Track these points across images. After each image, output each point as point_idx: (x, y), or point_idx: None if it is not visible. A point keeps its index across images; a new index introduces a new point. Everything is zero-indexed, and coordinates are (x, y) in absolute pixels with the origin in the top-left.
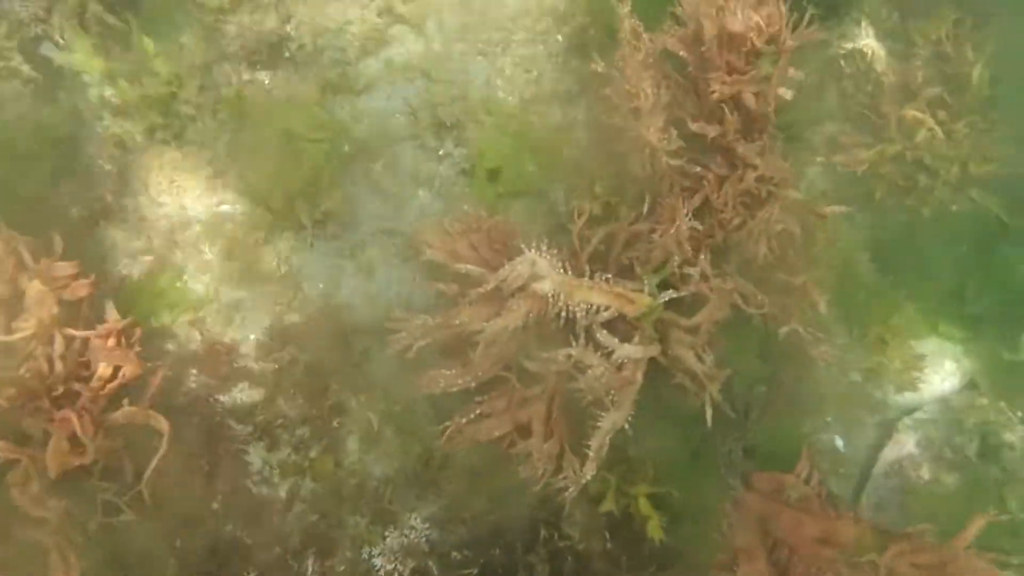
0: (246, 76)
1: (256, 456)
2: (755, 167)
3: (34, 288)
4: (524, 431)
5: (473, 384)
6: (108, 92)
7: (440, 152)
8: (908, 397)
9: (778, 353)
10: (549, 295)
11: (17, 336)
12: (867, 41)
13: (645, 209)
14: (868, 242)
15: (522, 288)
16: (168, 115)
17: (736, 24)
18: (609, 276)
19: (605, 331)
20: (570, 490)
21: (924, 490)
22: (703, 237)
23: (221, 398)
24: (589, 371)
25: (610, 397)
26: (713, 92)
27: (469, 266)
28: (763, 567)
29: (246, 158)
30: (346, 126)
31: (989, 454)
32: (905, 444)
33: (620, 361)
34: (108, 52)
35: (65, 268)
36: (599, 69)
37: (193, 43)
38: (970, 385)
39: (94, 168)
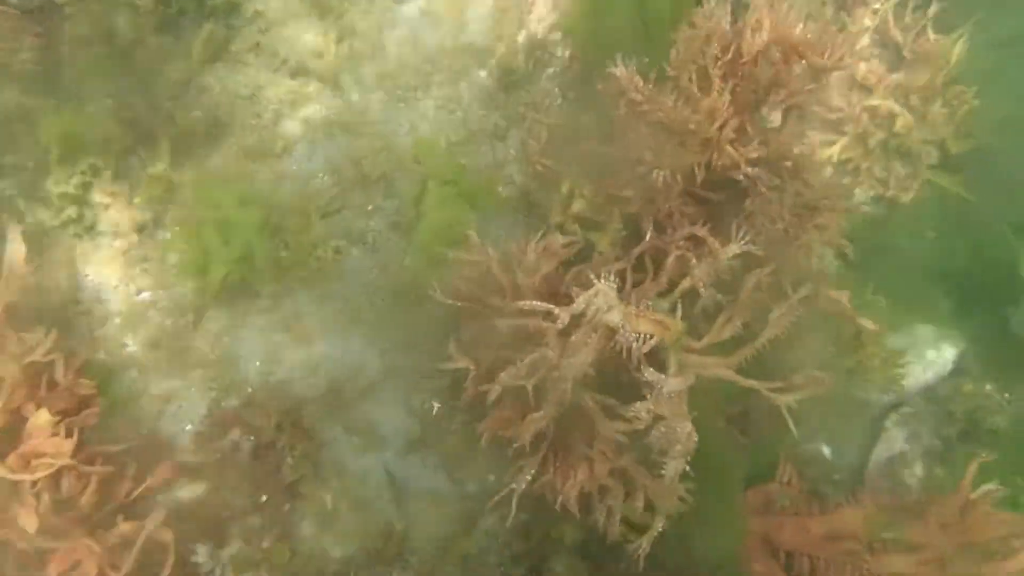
0: (161, 162)
1: (203, 555)
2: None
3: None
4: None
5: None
6: None
7: (369, 207)
8: (892, 394)
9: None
10: (619, 326)
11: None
12: None
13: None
14: None
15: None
16: (82, 206)
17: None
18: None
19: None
20: (643, 546)
21: (919, 488)
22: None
23: (159, 498)
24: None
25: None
26: None
27: (535, 303)
28: None
29: (170, 241)
30: (269, 193)
31: (978, 438)
32: (895, 442)
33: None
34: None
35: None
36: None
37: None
38: (955, 372)
39: None
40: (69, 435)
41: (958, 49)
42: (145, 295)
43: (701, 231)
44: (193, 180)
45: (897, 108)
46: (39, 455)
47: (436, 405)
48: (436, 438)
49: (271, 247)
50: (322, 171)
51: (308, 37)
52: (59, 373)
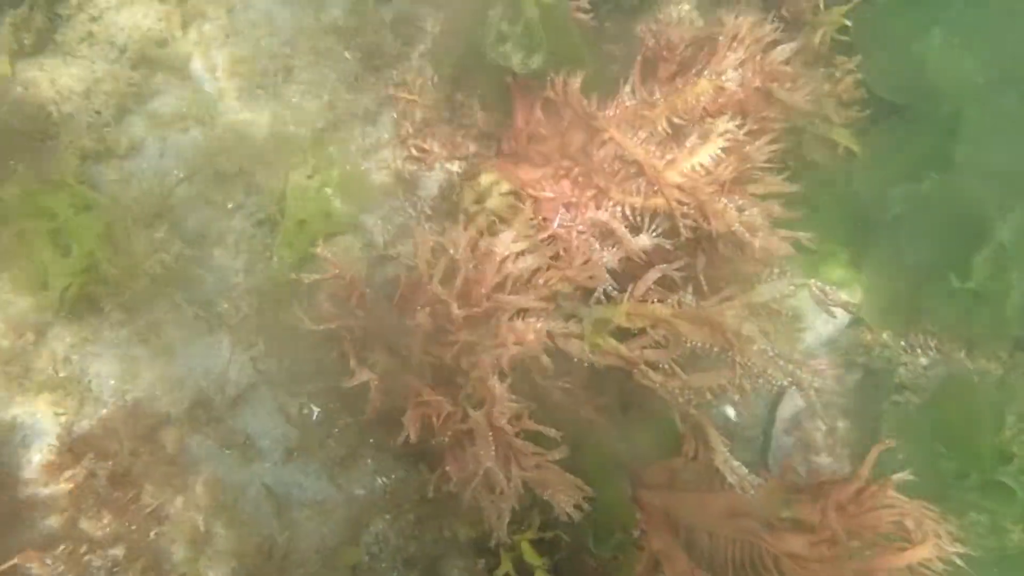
0: None
1: None
2: None
3: None
4: None
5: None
6: None
7: (229, 206)
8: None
9: None
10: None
11: None
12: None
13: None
14: None
15: None
16: None
17: None
18: None
19: None
20: None
21: (823, 441)
22: None
23: (8, 540)
24: None
25: None
26: None
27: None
28: (684, 565)
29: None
30: (116, 196)
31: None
32: (796, 397)
33: None
34: None
35: None
36: None
37: None
38: (854, 322)
39: None
40: None
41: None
42: None
43: (604, 216)
44: (19, 192)
45: None
46: None
47: (316, 410)
48: (317, 444)
49: (119, 255)
50: (176, 168)
51: (148, 23)
52: None
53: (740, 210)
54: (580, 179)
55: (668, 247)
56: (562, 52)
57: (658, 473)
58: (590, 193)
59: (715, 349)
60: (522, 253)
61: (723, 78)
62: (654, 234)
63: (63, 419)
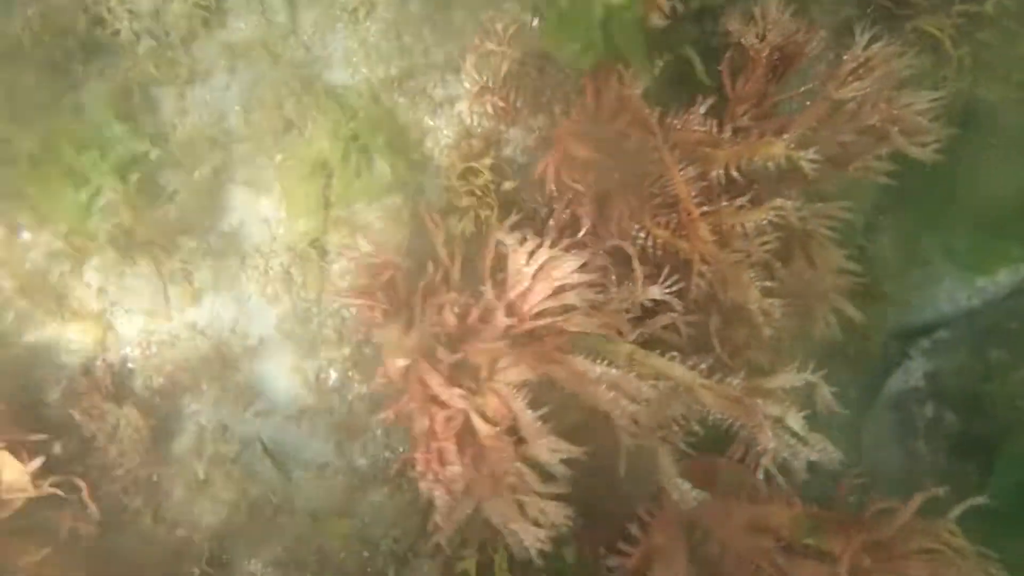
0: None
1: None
2: None
3: None
4: None
5: None
6: None
7: (278, 157)
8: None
9: None
10: None
11: None
12: None
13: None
14: None
15: None
16: None
17: None
18: None
19: None
20: None
21: (923, 430)
22: None
23: None
24: None
25: None
26: None
27: None
28: (681, 567)
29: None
30: (163, 129)
31: None
32: (913, 373)
33: None
34: None
35: None
36: None
37: None
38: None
39: None
40: None
41: None
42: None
43: (629, 248)
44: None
45: None
46: None
47: (333, 375)
48: (329, 409)
49: (158, 194)
50: (237, 104)
51: None
52: None
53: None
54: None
55: (678, 307)
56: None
57: (697, 468)
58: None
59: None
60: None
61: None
62: (667, 289)
63: (89, 350)
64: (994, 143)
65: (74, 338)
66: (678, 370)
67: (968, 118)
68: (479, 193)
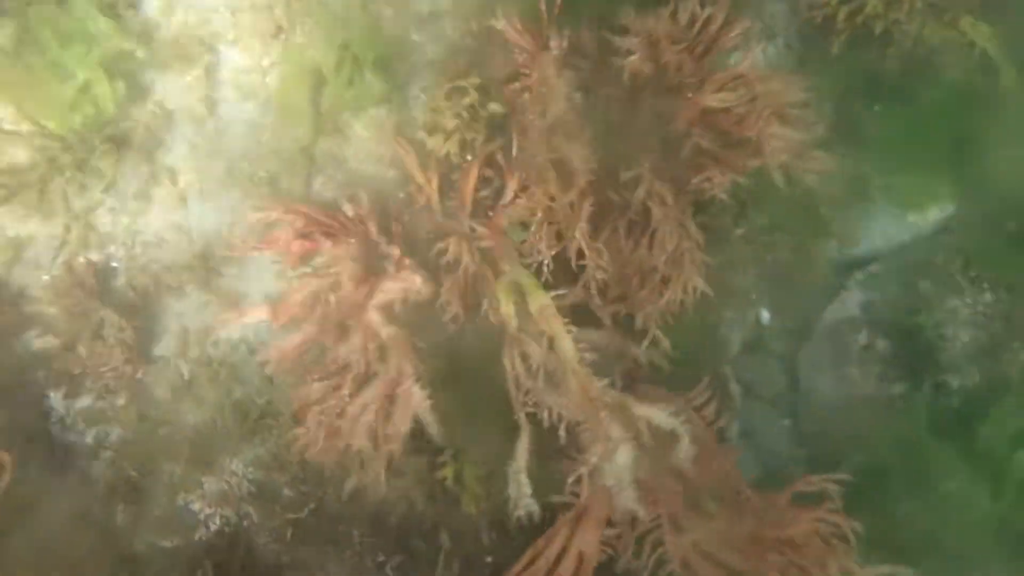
0: None
1: (56, 401)
2: None
3: None
4: None
5: None
6: None
7: (264, 62)
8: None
9: None
10: None
11: None
12: None
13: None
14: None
15: None
16: None
17: None
18: None
19: None
20: None
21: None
22: None
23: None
24: None
25: None
26: None
27: None
28: None
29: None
30: (147, 28)
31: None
32: (850, 304)
33: None
34: None
35: None
36: None
37: None
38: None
39: None
40: None
41: None
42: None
43: None
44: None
45: None
46: None
47: None
48: None
49: (145, 92)
50: (223, 6)
51: None
52: None
53: None
54: None
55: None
56: None
57: None
58: None
59: None
60: None
61: None
62: None
63: (72, 246)
64: (937, 89)
65: (56, 234)
66: (566, 342)
67: (913, 64)
68: (465, 115)
